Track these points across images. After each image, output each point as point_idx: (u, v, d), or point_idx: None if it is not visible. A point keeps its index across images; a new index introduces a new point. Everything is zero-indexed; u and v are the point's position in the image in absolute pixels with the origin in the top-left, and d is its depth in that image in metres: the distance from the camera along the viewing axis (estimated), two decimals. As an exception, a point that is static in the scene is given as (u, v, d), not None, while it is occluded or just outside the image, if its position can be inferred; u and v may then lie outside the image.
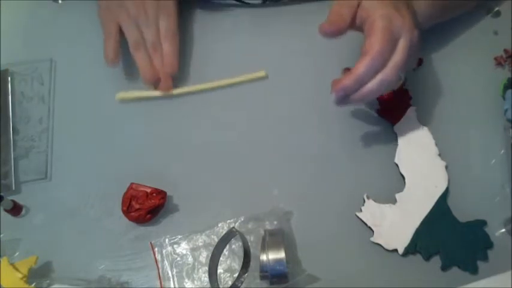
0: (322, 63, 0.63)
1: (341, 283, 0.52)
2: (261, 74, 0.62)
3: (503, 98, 0.59)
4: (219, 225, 0.55)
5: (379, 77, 0.50)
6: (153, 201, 0.54)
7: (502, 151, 0.57)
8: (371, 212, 0.55)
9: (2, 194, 0.56)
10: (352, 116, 0.60)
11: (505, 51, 0.62)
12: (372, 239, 0.54)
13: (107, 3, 0.61)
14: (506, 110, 0.57)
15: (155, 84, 0.61)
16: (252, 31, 0.65)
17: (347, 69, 0.56)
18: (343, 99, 0.52)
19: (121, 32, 0.61)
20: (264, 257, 0.50)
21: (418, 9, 0.55)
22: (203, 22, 0.67)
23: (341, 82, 0.50)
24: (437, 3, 0.57)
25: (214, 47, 0.66)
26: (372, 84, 0.50)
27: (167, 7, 0.61)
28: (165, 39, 0.61)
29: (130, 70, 0.64)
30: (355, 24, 0.52)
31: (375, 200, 0.56)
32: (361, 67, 0.49)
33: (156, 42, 0.61)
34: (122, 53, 0.61)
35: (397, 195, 0.56)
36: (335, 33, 0.51)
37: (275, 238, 0.51)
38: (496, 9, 0.65)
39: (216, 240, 0.54)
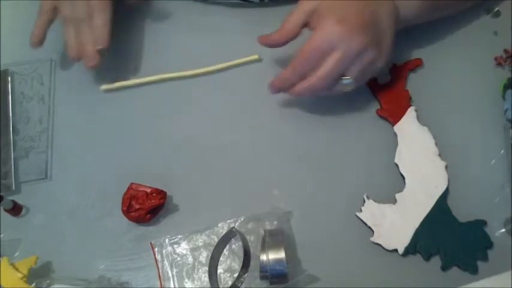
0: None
1: (341, 283, 0.52)
2: (254, 57, 0.64)
3: (503, 98, 0.59)
4: (219, 225, 0.55)
5: (304, 84, 0.54)
6: (153, 201, 0.54)
7: (502, 151, 0.57)
8: (371, 212, 0.55)
9: (2, 194, 0.56)
10: (352, 116, 0.60)
11: (505, 51, 0.62)
12: (372, 239, 0.54)
13: None
14: (506, 110, 0.57)
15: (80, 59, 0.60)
16: (249, 29, 0.65)
17: None
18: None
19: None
20: (264, 257, 0.50)
21: (406, 6, 0.56)
22: (202, 21, 0.67)
23: (272, 81, 0.57)
24: (425, 3, 0.57)
25: (212, 46, 0.65)
26: (299, 88, 0.55)
27: None
28: (96, 10, 0.59)
29: (130, 70, 0.64)
30: (298, 33, 0.55)
31: (374, 200, 0.56)
32: (285, 73, 0.55)
33: (86, 16, 0.59)
34: (116, 49, 0.61)
35: (397, 195, 0.56)
36: (269, 46, 0.58)
37: (275, 238, 0.51)
38: (496, 9, 0.65)
39: (216, 240, 0.54)
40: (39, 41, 0.61)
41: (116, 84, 0.63)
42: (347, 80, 0.53)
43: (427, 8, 0.58)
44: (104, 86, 0.63)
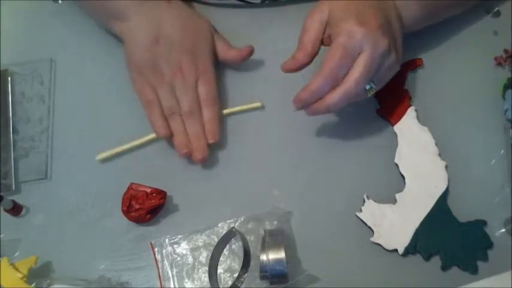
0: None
1: (341, 283, 0.52)
2: (257, 105, 0.61)
3: (503, 98, 0.59)
4: (219, 225, 0.55)
5: (338, 92, 0.51)
6: (153, 201, 0.54)
7: (502, 151, 0.57)
8: (371, 212, 0.55)
9: (2, 194, 0.56)
10: (352, 116, 0.60)
11: (505, 51, 0.62)
12: (372, 239, 0.54)
13: (139, 68, 0.57)
14: (506, 110, 0.57)
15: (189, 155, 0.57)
16: (251, 30, 0.65)
17: None
18: (308, 108, 0.53)
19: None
20: (264, 257, 0.50)
21: (408, 12, 0.55)
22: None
23: (298, 95, 0.53)
24: (429, 4, 0.57)
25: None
26: (330, 98, 0.51)
27: (206, 72, 0.58)
28: (206, 106, 0.57)
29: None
30: (328, 42, 0.53)
31: (374, 200, 0.56)
32: (314, 82, 0.51)
33: (194, 108, 0.57)
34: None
35: (397, 195, 0.56)
36: (295, 70, 0.54)
37: (275, 238, 0.51)
38: (496, 9, 0.65)
39: (216, 240, 0.54)
40: (169, 136, 0.57)
41: (110, 151, 0.60)
42: (370, 85, 0.52)
43: (426, 13, 0.58)
44: (101, 155, 0.59)
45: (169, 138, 0.58)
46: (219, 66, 0.63)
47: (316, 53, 0.53)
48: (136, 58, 0.58)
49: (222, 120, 0.60)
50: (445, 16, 0.61)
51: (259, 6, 0.67)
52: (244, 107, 0.61)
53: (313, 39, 0.52)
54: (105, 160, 0.60)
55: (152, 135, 0.59)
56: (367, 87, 0.51)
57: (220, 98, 0.60)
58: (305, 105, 0.53)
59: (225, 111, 0.61)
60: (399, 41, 0.54)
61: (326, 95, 0.51)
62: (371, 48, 0.49)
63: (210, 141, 0.57)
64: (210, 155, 0.59)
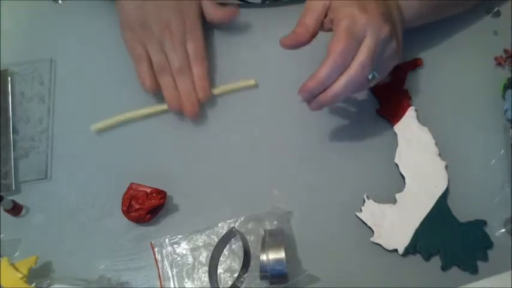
0: (321, 61, 0.63)
1: (341, 283, 0.52)
2: (251, 82, 0.62)
3: (503, 98, 0.59)
4: (219, 225, 0.55)
5: (343, 78, 0.50)
6: (153, 201, 0.54)
7: (502, 151, 0.57)
8: (371, 212, 0.55)
9: (2, 194, 0.56)
10: (352, 116, 0.60)
11: (505, 51, 0.62)
12: (372, 239, 0.54)
13: (130, 22, 0.59)
14: (506, 110, 0.57)
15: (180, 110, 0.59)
16: (251, 30, 0.65)
17: None
18: (312, 101, 0.52)
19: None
20: (264, 257, 0.50)
21: (407, 8, 0.55)
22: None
23: (305, 84, 0.51)
24: (428, 2, 0.57)
25: (211, 47, 0.65)
26: (337, 86, 0.50)
27: (194, 30, 0.59)
28: (195, 63, 0.59)
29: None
30: (318, 29, 0.52)
31: (374, 200, 0.56)
32: (323, 69, 0.49)
33: (183, 66, 0.58)
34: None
35: (397, 195, 0.56)
36: (296, 46, 0.52)
37: (275, 238, 0.51)
38: (496, 9, 0.65)
39: (216, 240, 0.54)
40: (154, 89, 0.59)
41: (105, 122, 0.61)
42: (372, 74, 0.51)
43: (426, 10, 0.57)
44: (96, 125, 0.61)
45: (155, 91, 0.59)
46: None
47: (316, 34, 0.52)
48: (127, 16, 0.59)
49: (211, 78, 0.61)
50: (445, 15, 0.61)
51: (259, 6, 0.67)
52: (238, 84, 0.62)
53: (315, 19, 0.52)
54: (100, 131, 0.60)
55: (150, 108, 0.60)
56: (370, 76, 0.51)
57: (215, 79, 0.61)
58: (312, 95, 0.52)
59: (217, 91, 0.61)
60: (399, 32, 0.53)
61: (332, 84, 0.50)
62: (374, 33, 0.49)
63: (201, 97, 0.59)
64: (210, 154, 0.59)
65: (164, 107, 0.60)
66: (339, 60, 0.49)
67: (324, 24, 0.53)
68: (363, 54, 0.49)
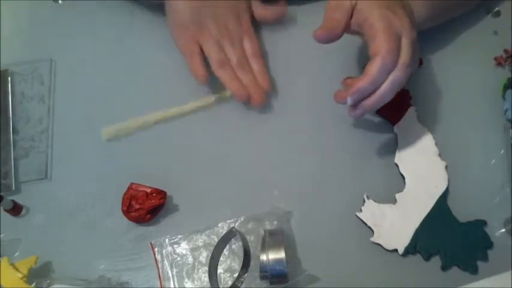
0: (321, 62, 0.63)
1: (341, 283, 0.52)
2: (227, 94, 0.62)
3: (503, 98, 0.59)
4: (219, 225, 0.55)
5: (390, 78, 0.49)
6: (153, 201, 0.54)
7: (502, 151, 0.57)
8: (371, 212, 0.55)
9: (2, 194, 0.56)
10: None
11: (505, 51, 0.62)
12: (372, 239, 0.54)
13: (184, 22, 0.60)
14: (506, 110, 0.57)
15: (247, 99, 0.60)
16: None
17: (348, 78, 0.56)
18: (357, 107, 0.52)
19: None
20: (264, 257, 0.50)
21: (416, 11, 0.55)
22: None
23: (356, 84, 0.50)
24: (436, 4, 0.57)
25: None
26: (385, 85, 0.50)
27: (248, 28, 0.62)
28: (253, 60, 0.61)
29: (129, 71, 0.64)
30: (350, 27, 0.52)
31: (374, 200, 0.56)
32: (375, 68, 0.49)
33: (243, 61, 0.60)
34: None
35: (397, 195, 0.56)
36: (330, 39, 0.52)
37: (275, 238, 0.51)
38: (496, 9, 0.65)
39: (216, 240, 0.54)
40: (207, 79, 0.60)
41: (115, 128, 0.61)
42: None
43: (431, 16, 0.58)
44: (106, 132, 0.61)
45: (207, 81, 0.60)
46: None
47: (346, 30, 0.52)
48: (182, 15, 0.60)
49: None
50: (448, 17, 0.62)
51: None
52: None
53: (344, 15, 0.51)
54: (110, 138, 0.61)
55: (164, 113, 0.61)
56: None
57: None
58: (362, 96, 0.51)
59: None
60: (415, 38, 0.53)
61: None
62: (409, 33, 0.50)
63: (265, 89, 0.60)
64: (210, 154, 0.59)
65: (176, 110, 0.61)
66: (389, 59, 0.49)
67: (351, 25, 0.52)
68: (405, 53, 0.49)
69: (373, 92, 0.50)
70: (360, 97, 0.51)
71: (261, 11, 0.64)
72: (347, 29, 0.52)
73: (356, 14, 0.51)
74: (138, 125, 0.61)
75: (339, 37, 0.52)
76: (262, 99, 0.60)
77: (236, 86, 0.59)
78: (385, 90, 0.50)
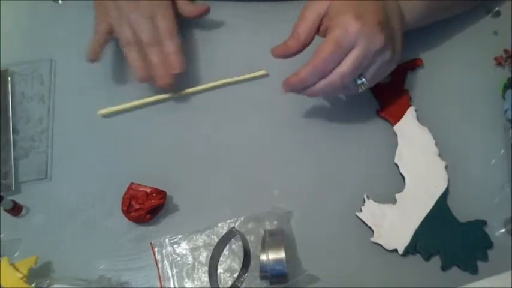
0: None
1: (341, 283, 0.52)
2: (262, 72, 0.62)
3: (503, 98, 0.59)
4: (219, 225, 0.55)
5: (322, 83, 0.52)
6: (153, 201, 0.54)
7: (502, 151, 0.57)
8: (371, 212, 0.55)
9: (2, 194, 0.56)
10: (352, 116, 0.60)
11: (505, 51, 0.62)
12: (372, 239, 0.54)
13: (102, 5, 0.60)
14: (506, 110, 0.57)
15: (152, 82, 0.60)
16: (254, 27, 0.65)
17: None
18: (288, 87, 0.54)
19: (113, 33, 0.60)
20: (264, 257, 0.50)
21: (409, 11, 0.55)
22: (205, 18, 0.67)
23: (288, 79, 0.53)
24: (431, 4, 0.57)
25: (214, 44, 0.65)
26: (315, 88, 0.52)
27: (162, 7, 0.60)
28: (165, 39, 0.59)
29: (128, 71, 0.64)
30: (313, 38, 0.53)
31: (375, 200, 0.56)
32: (303, 71, 0.51)
33: (152, 40, 0.58)
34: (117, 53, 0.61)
35: (397, 195, 0.56)
36: (285, 57, 0.54)
37: (275, 238, 0.51)
38: (496, 9, 0.65)
39: (216, 240, 0.54)
40: (95, 58, 0.60)
41: (112, 108, 0.62)
42: (361, 80, 0.52)
43: (428, 11, 0.58)
44: (102, 110, 0.62)
45: (95, 60, 0.60)
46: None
47: (308, 43, 0.53)
48: None
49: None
50: (446, 15, 0.61)
51: (261, 1, 0.67)
52: (248, 76, 0.63)
53: (308, 29, 0.53)
54: (105, 115, 0.61)
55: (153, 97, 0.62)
56: (358, 82, 0.52)
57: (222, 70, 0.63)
58: (293, 90, 0.54)
59: (226, 81, 0.62)
60: (398, 39, 0.53)
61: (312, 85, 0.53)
62: (365, 44, 0.49)
63: (175, 71, 0.59)
64: (210, 154, 0.59)
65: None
66: (320, 66, 0.51)
67: (320, 32, 0.53)
68: (344, 66, 0.50)
69: (305, 86, 0.53)
70: (292, 90, 0.54)
71: (184, 6, 0.63)
72: (308, 42, 0.53)
73: (325, 19, 0.52)
74: (135, 104, 0.61)
75: (295, 54, 0.54)
76: (166, 80, 0.59)
77: (138, 65, 0.59)
78: (316, 91, 0.53)
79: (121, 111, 0.62)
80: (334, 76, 0.51)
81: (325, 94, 0.53)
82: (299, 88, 0.53)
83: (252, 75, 0.63)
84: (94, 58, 0.60)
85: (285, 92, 0.54)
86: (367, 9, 0.50)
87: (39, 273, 0.53)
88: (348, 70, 0.50)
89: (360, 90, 0.53)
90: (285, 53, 0.54)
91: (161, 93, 0.62)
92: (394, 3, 0.54)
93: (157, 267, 0.54)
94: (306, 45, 0.53)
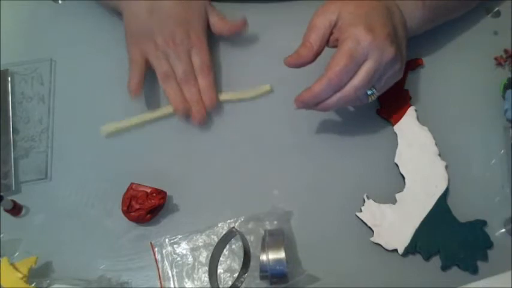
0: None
1: (341, 283, 0.52)
2: (266, 88, 0.62)
3: (503, 98, 0.59)
4: (219, 225, 0.55)
5: (336, 96, 0.51)
6: (153, 201, 0.54)
7: (502, 151, 0.57)
8: (371, 212, 0.55)
9: (2, 194, 0.56)
10: (352, 116, 0.60)
11: (505, 51, 0.62)
12: (372, 239, 0.54)
13: (134, 31, 0.60)
14: (506, 110, 0.57)
15: (188, 115, 0.59)
16: (255, 27, 0.65)
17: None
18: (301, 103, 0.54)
19: (148, 64, 0.60)
20: (264, 257, 0.50)
21: (411, 19, 0.56)
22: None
23: (301, 95, 0.52)
24: (433, 7, 0.57)
25: (217, 48, 0.65)
26: (329, 102, 0.52)
27: (198, 41, 0.60)
28: (201, 73, 0.59)
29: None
30: (323, 48, 0.53)
31: (375, 200, 0.56)
32: (318, 86, 0.51)
33: (188, 74, 0.59)
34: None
35: (397, 195, 0.56)
36: (298, 66, 0.53)
37: (275, 238, 0.51)
38: (496, 9, 0.65)
39: (216, 240, 0.54)
40: (138, 95, 0.59)
41: (113, 125, 0.61)
42: (372, 91, 0.52)
43: (428, 20, 0.58)
44: (104, 128, 0.61)
45: (137, 96, 0.59)
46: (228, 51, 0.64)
47: (320, 52, 0.53)
48: (132, 29, 0.60)
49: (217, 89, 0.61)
50: (446, 19, 0.62)
51: (266, 1, 0.67)
52: (254, 91, 0.62)
53: (320, 38, 0.52)
54: (109, 135, 0.60)
55: (159, 112, 0.61)
56: (369, 92, 0.52)
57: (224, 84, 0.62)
58: (305, 106, 0.53)
59: (226, 97, 0.61)
60: (404, 49, 0.54)
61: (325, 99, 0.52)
62: (377, 57, 0.50)
63: (208, 107, 0.59)
64: (210, 154, 0.59)
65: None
66: (335, 80, 0.50)
67: (330, 42, 0.53)
68: (358, 79, 0.50)
69: (319, 101, 0.52)
70: (304, 107, 0.53)
71: (218, 24, 0.62)
72: (320, 51, 0.53)
73: (336, 30, 0.52)
74: (137, 122, 0.61)
75: (308, 63, 0.53)
76: (201, 116, 0.59)
77: (176, 100, 0.58)
78: (330, 105, 0.52)
79: (123, 130, 0.61)
80: (349, 89, 0.51)
81: (338, 107, 0.53)
82: (312, 104, 0.53)
83: (256, 92, 0.62)
84: (137, 93, 0.59)
85: (297, 108, 0.53)
86: (376, 21, 0.50)
87: (39, 273, 0.53)
88: (362, 83, 0.50)
89: (370, 101, 0.53)
90: (297, 62, 0.53)
91: (163, 106, 0.61)
92: (398, 13, 0.54)
93: (157, 267, 0.54)
94: (318, 54, 0.53)
